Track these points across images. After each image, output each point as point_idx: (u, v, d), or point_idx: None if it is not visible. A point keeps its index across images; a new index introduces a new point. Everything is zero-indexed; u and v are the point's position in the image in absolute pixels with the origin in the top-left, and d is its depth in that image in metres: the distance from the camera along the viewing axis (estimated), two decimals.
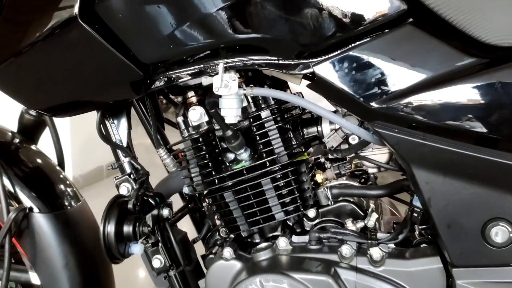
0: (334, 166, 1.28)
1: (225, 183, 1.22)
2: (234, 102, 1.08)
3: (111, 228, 1.10)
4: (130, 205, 1.15)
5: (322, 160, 1.39)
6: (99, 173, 4.89)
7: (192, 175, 1.23)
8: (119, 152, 1.29)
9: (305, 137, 1.27)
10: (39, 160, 1.55)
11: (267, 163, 1.19)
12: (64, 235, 1.45)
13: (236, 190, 1.22)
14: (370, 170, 1.24)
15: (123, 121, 1.28)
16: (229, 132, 1.17)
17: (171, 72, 1.08)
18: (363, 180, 1.40)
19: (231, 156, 1.28)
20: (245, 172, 1.21)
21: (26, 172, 1.48)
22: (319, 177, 1.29)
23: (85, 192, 1.59)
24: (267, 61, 1.02)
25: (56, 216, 1.45)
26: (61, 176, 1.56)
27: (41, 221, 1.43)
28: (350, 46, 0.98)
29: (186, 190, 1.32)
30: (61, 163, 1.61)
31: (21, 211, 1.38)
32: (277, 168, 1.19)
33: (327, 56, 0.99)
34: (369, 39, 0.97)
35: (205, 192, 1.24)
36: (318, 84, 1.01)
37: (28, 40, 1.04)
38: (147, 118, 1.35)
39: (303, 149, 1.24)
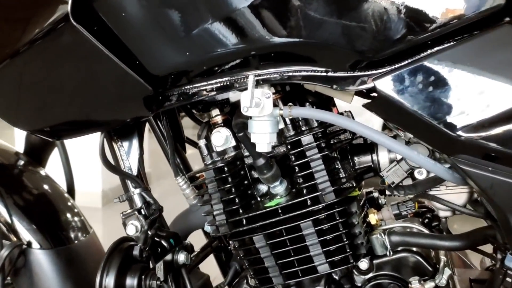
0: (393, 205, 1.02)
1: (255, 224, 0.98)
2: (268, 125, 0.84)
3: (109, 281, 0.87)
4: (136, 251, 0.92)
5: (376, 194, 1.13)
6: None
7: (215, 212, 1.00)
8: (128, 182, 1.07)
9: (356, 168, 1.01)
10: (44, 186, 1.36)
11: (308, 201, 0.94)
12: (66, 274, 1.25)
13: (268, 233, 0.97)
14: (442, 213, 0.97)
15: (134, 144, 1.05)
16: (261, 161, 0.94)
17: (189, 87, 0.85)
18: (427, 220, 1.13)
19: (263, 188, 1.04)
20: (280, 211, 0.96)
21: (27, 201, 1.30)
22: (372, 218, 1.03)
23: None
24: (311, 73, 0.78)
25: (58, 253, 1.25)
26: (69, 204, 1.36)
27: (41, 258, 1.24)
28: (425, 53, 0.73)
29: (208, 228, 1.08)
30: (71, 189, 1.41)
31: (16, 247, 1.18)
32: (320, 208, 0.94)
33: (393, 67, 0.74)
34: (451, 44, 0.72)
35: (230, 233, 1.00)
36: (380, 104, 0.76)
37: (13, 46, 0.84)
38: (165, 138, 1.13)
39: (354, 184, 0.99)
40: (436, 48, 0.72)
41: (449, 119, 0.71)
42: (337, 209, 0.94)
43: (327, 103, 1.03)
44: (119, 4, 0.77)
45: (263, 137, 0.85)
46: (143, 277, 0.91)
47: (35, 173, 1.37)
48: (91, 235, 1.34)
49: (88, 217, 1.40)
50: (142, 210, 1.03)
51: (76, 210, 1.36)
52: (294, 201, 0.95)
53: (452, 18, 0.70)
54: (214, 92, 0.85)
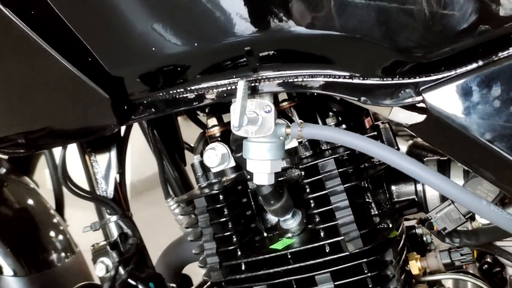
0: (443, 251, 0.76)
1: (257, 271, 0.75)
2: (268, 150, 0.60)
3: None
4: None
5: (420, 231, 0.87)
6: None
7: (206, 252, 0.77)
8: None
9: (394, 201, 0.76)
10: (26, 200, 1.18)
11: (327, 248, 0.70)
12: None
13: (274, 284, 0.74)
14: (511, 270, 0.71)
15: (112, 159, 0.84)
16: (267, 189, 0.71)
17: (162, 94, 0.62)
18: (486, 266, 0.87)
19: (272, 219, 0.81)
20: (290, 257, 0.73)
21: (4, 217, 1.12)
22: (414, 266, 0.79)
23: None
24: (329, 79, 0.53)
25: (34, 281, 1.07)
26: (54, 221, 1.18)
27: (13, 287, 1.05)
28: (505, 53, 0.47)
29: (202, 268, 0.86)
30: (59, 202, 1.21)
31: None
32: (343, 257, 0.69)
33: (454, 73, 0.49)
34: None
35: (226, 281, 0.77)
36: (432, 128, 0.51)
37: None
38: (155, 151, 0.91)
39: (391, 224, 0.74)
40: None
41: None
42: (365, 260, 0.69)
43: (357, 113, 0.78)
44: None
45: (262, 166, 0.61)
46: None
47: (17, 184, 1.19)
48: (76, 256, 1.16)
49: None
50: (117, 245, 0.81)
51: (61, 228, 1.17)
52: (309, 246, 0.71)
53: None
54: (198, 102, 0.62)
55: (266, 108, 0.58)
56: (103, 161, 0.84)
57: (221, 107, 0.82)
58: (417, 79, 0.50)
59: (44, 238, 1.13)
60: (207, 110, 0.85)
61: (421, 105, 0.50)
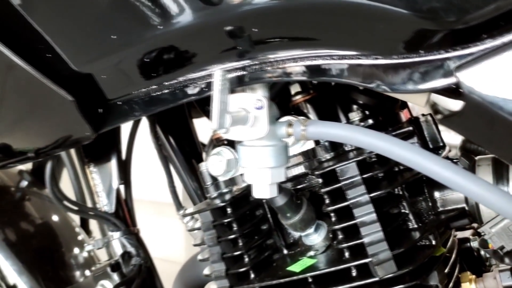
0: (504, 271, 0.61)
1: None
2: (266, 155, 0.48)
3: None
4: None
5: (476, 244, 0.72)
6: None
7: (214, 273, 0.66)
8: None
9: (439, 211, 0.62)
10: (48, 215, 1.12)
11: (353, 271, 0.57)
12: None
13: None
14: None
15: (113, 168, 0.75)
16: (281, 200, 0.59)
17: (142, 91, 0.52)
18: None
19: (294, 234, 0.69)
20: (311, 281, 0.61)
21: (23, 233, 1.07)
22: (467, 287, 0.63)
23: None
24: (334, 62, 0.41)
25: None
26: (77, 236, 1.11)
27: None
28: None
29: None
30: (84, 218, 1.15)
31: None
32: (373, 282, 0.56)
33: (500, 41, 0.35)
34: None
35: None
36: (472, 120, 0.37)
37: None
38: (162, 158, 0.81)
39: (434, 240, 0.59)
40: None
41: None
42: (402, 286, 0.56)
43: (390, 105, 0.65)
44: None
45: (260, 175, 0.49)
46: None
47: (39, 198, 1.14)
48: None
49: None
50: (119, 265, 0.72)
51: (84, 243, 1.11)
52: (331, 269, 0.59)
53: None
54: (184, 97, 0.51)
55: (257, 104, 0.46)
56: (104, 171, 0.76)
57: None
58: (449, 54, 0.36)
59: (65, 254, 1.07)
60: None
61: (455, 88, 0.36)
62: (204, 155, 0.77)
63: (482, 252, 0.74)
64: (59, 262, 1.06)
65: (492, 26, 0.35)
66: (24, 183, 1.14)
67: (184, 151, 0.91)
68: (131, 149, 0.79)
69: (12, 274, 1.01)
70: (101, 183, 0.76)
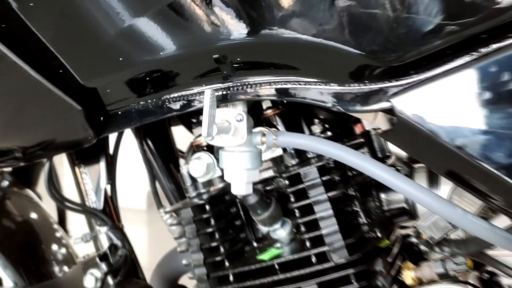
0: (436, 261, 0.73)
1: (245, 281, 0.73)
2: (244, 159, 0.59)
3: None
4: None
5: (416, 240, 0.84)
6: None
7: (193, 263, 0.76)
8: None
9: (384, 210, 0.74)
10: (28, 213, 1.19)
11: (313, 258, 0.68)
12: None
13: None
14: (506, 280, 0.68)
15: (101, 169, 0.84)
16: (253, 198, 0.70)
17: (137, 104, 0.62)
18: (487, 275, 0.83)
19: (263, 229, 0.80)
20: (277, 268, 0.71)
21: (5, 230, 1.13)
22: (407, 276, 0.76)
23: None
24: (299, 87, 0.52)
25: None
26: (55, 233, 1.19)
27: None
28: (478, 52, 0.45)
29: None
30: (62, 214, 1.22)
31: None
32: (329, 268, 0.67)
33: (423, 76, 0.47)
34: None
35: None
36: (402, 134, 0.49)
37: None
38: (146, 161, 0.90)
39: (380, 233, 0.71)
40: (495, 46, 0.44)
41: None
42: (353, 270, 0.67)
43: (345, 120, 0.77)
44: None
45: (238, 175, 0.60)
46: None
47: (19, 197, 1.20)
48: (77, 267, 1.15)
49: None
50: (106, 256, 0.81)
51: (63, 240, 1.18)
52: (295, 256, 0.70)
53: None
54: (173, 111, 0.61)
55: (237, 117, 0.56)
56: (93, 172, 0.84)
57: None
58: (386, 84, 0.48)
59: (45, 250, 1.14)
60: (199, 118, 0.84)
61: (390, 111, 0.48)
62: (181, 161, 0.86)
63: (422, 247, 0.87)
64: (40, 257, 1.13)
65: (417, 65, 0.47)
66: (5, 183, 1.21)
67: (162, 156, 1.00)
68: (116, 153, 0.88)
69: None
70: (90, 182, 0.84)
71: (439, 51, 0.45)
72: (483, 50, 0.44)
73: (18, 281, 1.06)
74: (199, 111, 0.75)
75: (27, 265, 1.09)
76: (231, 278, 0.75)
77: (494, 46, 0.44)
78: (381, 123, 0.53)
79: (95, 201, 0.84)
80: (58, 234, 1.18)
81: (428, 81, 0.46)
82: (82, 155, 0.85)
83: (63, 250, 1.17)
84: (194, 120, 0.82)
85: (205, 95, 0.52)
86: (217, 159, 0.76)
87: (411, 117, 0.47)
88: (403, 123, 0.47)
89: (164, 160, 1.00)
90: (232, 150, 0.59)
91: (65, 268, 1.15)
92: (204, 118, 0.53)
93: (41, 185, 1.29)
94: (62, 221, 1.24)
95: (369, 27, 0.45)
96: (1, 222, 1.13)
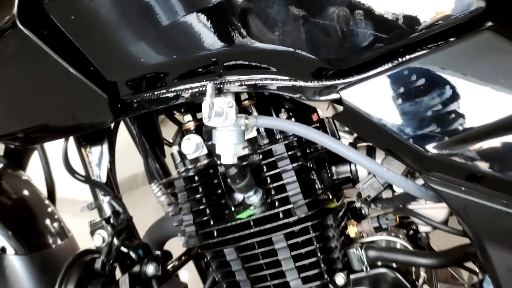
0: (373, 218, 0.96)
1: (226, 236, 0.93)
2: (231, 136, 0.79)
3: None
4: (97, 265, 0.88)
5: (358, 205, 1.07)
6: (135, 181, 4.74)
7: (184, 223, 0.95)
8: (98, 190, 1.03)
9: (334, 179, 0.96)
10: (23, 191, 1.33)
11: (281, 214, 0.89)
12: (42, 280, 1.22)
13: (240, 246, 0.93)
14: (422, 228, 0.91)
15: (104, 150, 1.01)
16: (233, 170, 0.89)
17: (149, 94, 0.80)
18: (412, 232, 1.07)
19: (239, 198, 0.99)
20: (252, 223, 0.91)
21: (4, 205, 1.27)
22: (352, 231, 0.98)
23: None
24: (275, 82, 0.72)
25: (33, 259, 1.22)
26: (48, 209, 1.33)
27: (15, 265, 1.21)
28: (397, 61, 0.67)
29: (181, 240, 1.04)
30: (51, 192, 1.37)
31: None
32: (293, 221, 0.88)
33: (361, 76, 0.68)
34: (425, 52, 0.66)
35: (201, 246, 0.95)
36: (347, 116, 0.70)
37: None
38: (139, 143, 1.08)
39: (331, 196, 0.93)
40: (408, 57, 0.66)
41: (421, 134, 0.65)
42: (310, 223, 0.89)
43: (306, 109, 0.98)
44: (71, 5, 0.73)
45: (227, 148, 0.80)
46: None
47: (14, 177, 1.34)
48: (69, 240, 1.31)
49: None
50: (110, 220, 0.99)
51: (55, 215, 1.33)
52: (266, 213, 0.90)
53: (429, 24, 0.64)
54: (176, 100, 0.80)
55: (229, 104, 0.76)
56: (97, 152, 1.01)
57: (194, 106, 1.00)
58: (336, 81, 0.69)
59: (40, 223, 1.28)
60: (182, 110, 1.03)
61: (338, 100, 0.69)
62: (173, 143, 1.04)
63: (363, 211, 1.09)
64: (37, 229, 1.27)
65: (357, 68, 0.68)
66: (0, 165, 1.34)
67: (150, 142, 1.18)
68: (116, 136, 1.05)
69: (1, 239, 1.21)
70: (95, 160, 1.01)
71: (372, 59, 0.67)
72: (400, 60, 0.66)
73: (18, 249, 1.20)
74: (187, 104, 0.95)
75: (26, 236, 1.24)
76: (215, 233, 0.94)
77: (407, 57, 0.66)
78: (331, 112, 0.73)
79: (98, 176, 1.01)
80: (50, 210, 1.33)
81: (365, 79, 0.68)
82: (88, 138, 1.01)
83: (56, 224, 1.32)
84: (182, 110, 1.01)
85: (208, 88, 0.72)
86: (204, 140, 0.95)
87: (353, 104, 0.68)
88: (347, 108, 0.69)
89: (151, 144, 1.18)
90: (223, 129, 0.79)
91: (59, 241, 1.30)
92: (206, 104, 0.72)
93: (30, 168, 1.43)
94: (52, 199, 1.39)
95: (325, 42, 0.66)
96: (0, 200, 1.27)
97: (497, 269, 0.67)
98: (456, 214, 0.67)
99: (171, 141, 1.20)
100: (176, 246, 1.17)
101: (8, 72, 0.79)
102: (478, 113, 0.62)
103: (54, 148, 1.40)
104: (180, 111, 1.04)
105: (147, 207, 1.60)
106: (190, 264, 1.22)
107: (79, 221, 1.27)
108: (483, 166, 0.62)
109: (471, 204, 0.64)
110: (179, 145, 1.00)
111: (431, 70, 0.65)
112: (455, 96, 0.63)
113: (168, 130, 1.17)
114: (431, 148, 0.64)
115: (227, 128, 0.79)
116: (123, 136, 1.18)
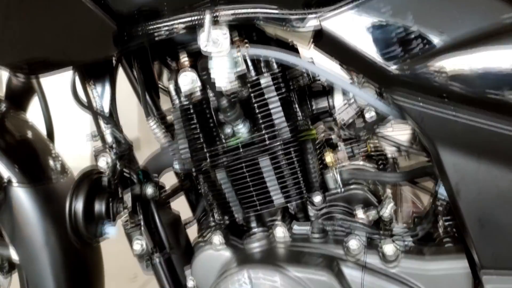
0: (347, 147, 1.09)
1: (218, 160, 1.05)
2: (225, 61, 0.90)
3: (79, 206, 0.95)
4: (104, 181, 1.00)
5: (334, 137, 1.20)
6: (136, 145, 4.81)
7: (181, 149, 1.07)
8: (100, 120, 1.14)
9: (313, 109, 1.08)
10: (25, 129, 1.41)
11: (266, 139, 1.01)
12: (45, 211, 1.32)
13: (230, 169, 1.05)
14: (389, 154, 1.05)
15: (106, 85, 1.12)
16: (224, 100, 1.00)
17: (153, 26, 0.91)
18: (381, 164, 1.21)
19: (228, 130, 1.11)
20: (241, 148, 1.04)
21: (8, 142, 1.35)
22: (328, 158, 1.11)
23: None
24: (265, 13, 0.84)
25: (37, 190, 1.32)
26: (49, 147, 1.43)
27: (21, 195, 1.30)
28: None
29: (176, 166, 1.16)
30: (50, 133, 1.47)
31: None
32: (277, 145, 1.01)
33: (338, 5, 0.80)
34: None
35: (195, 169, 1.07)
36: (327, 43, 0.82)
37: None
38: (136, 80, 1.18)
39: (310, 125, 1.06)
40: None
41: (386, 54, 0.78)
42: (292, 147, 1.02)
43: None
44: None
45: (221, 73, 0.91)
46: (111, 203, 0.99)
47: (16, 117, 1.43)
48: (69, 177, 1.41)
49: None
50: (113, 148, 1.10)
51: (55, 154, 1.42)
52: (253, 137, 1.02)
53: None
54: (174, 31, 0.91)
55: (224, 35, 0.88)
56: (100, 86, 1.12)
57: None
58: (317, 10, 0.82)
59: (42, 159, 1.37)
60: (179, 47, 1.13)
61: (319, 29, 0.82)
62: (169, 79, 1.15)
63: (338, 144, 1.23)
64: (40, 165, 1.37)
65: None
66: (3, 108, 1.43)
67: (147, 85, 1.29)
68: (117, 71, 1.15)
69: (6, 171, 1.30)
70: (98, 94, 1.11)
71: None
72: None
73: (22, 180, 1.30)
74: (182, 43, 1.06)
75: (31, 169, 1.32)
76: (207, 157, 1.07)
77: None
78: (313, 53, 0.86)
79: (101, 108, 1.12)
80: (51, 148, 1.42)
81: (342, 8, 0.80)
82: (92, 74, 1.12)
83: (57, 162, 1.41)
84: (179, 47, 1.11)
85: (206, 15, 0.83)
86: (198, 76, 1.07)
87: (332, 31, 0.81)
88: (327, 36, 0.81)
89: (147, 87, 1.28)
90: (218, 56, 0.91)
91: (60, 176, 1.40)
92: (206, 30, 0.84)
93: (30, 111, 1.52)
94: (51, 137, 1.48)
95: None
96: (5, 138, 1.36)
97: (447, 170, 0.81)
98: (415, 124, 0.80)
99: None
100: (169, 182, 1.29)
101: None
102: (435, 35, 0.75)
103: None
104: (173, 58, 1.14)
105: None
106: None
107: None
108: (436, 79, 0.75)
109: (426, 113, 0.78)
110: (175, 82, 1.11)
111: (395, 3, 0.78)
112: (417, 21, 0.76)
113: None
114: (394, 66, 0.77)
115: (221, 54, 0.90)
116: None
